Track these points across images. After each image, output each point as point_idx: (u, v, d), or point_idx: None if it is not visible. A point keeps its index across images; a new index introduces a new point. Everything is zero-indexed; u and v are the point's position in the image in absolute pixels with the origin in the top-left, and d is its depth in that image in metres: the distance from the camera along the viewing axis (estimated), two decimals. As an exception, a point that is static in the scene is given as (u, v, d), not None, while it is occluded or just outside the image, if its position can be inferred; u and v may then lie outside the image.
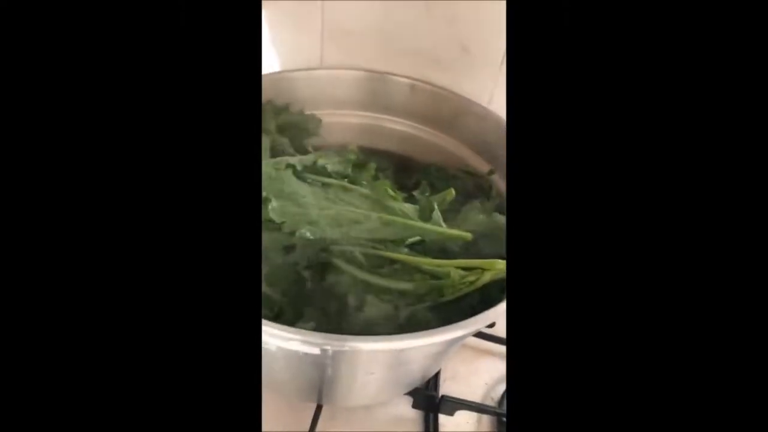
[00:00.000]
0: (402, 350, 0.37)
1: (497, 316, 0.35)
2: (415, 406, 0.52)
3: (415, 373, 0.48)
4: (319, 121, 0.59)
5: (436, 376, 0.54)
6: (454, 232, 0.42)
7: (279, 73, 0.58)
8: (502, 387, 0.56)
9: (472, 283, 0.38)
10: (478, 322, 0.35)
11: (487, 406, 0.53)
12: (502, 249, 0.41)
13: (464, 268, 0.39)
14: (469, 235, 0.42)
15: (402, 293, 0.39)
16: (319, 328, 0.37)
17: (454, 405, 0.52)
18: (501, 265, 0.38)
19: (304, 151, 0.55)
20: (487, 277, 0.38)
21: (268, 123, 0.56)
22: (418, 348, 0.36)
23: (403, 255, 0.40)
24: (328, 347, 0.33)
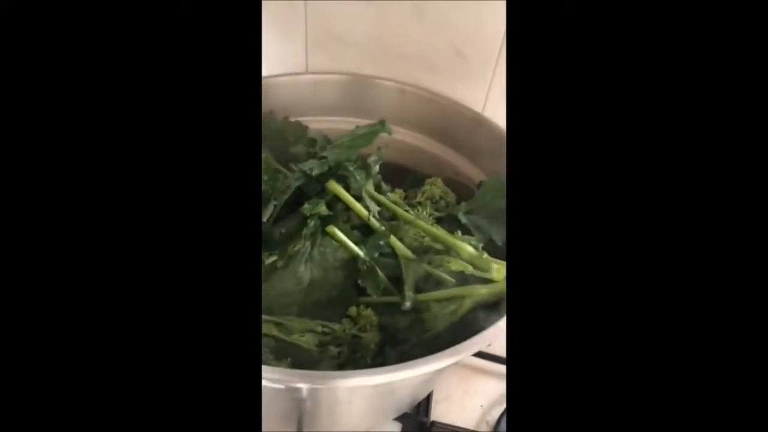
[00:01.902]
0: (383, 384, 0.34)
1: (480, 344, 0.33)
2: (404, 432, 0.49)
3: (404, 399, 0.45)
4: (305, 128, 0.57)
5: (428, 398, 0.51)
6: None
7: (263, 78, 0.56)
8: (499, 409, 0.52)
9: (454, 312, 0.35)
10: (461, 351, 0.32)
11: (481, 432, 0.50)
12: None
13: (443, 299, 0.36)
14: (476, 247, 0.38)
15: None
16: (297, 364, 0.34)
17: (445, 432, 0.48)
18: (482, 289, 0.35)
19: (287, 160, 0.53)
20: (468, 305, 0.34)
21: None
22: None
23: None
24: (302, 386, 0.30)
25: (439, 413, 0.50)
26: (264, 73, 0.57)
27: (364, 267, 0.38)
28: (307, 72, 0.59)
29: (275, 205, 0.39)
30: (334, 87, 0.57)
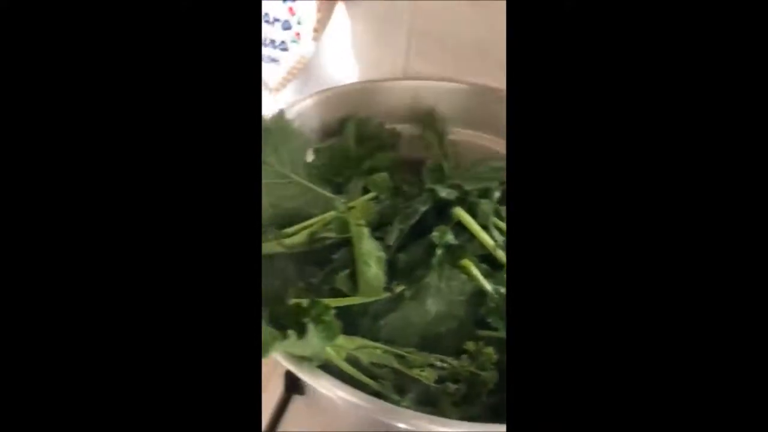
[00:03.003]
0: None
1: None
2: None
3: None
4: (398, 135, 0.54)
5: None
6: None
7: (359, 83, 0.54)
8: None
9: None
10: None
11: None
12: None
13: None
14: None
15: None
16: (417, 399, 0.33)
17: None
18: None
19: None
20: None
21: (348, 139, 0.51)
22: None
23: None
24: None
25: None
26: (361, 77, 0.55)
27: (492, 304, 0.36)
28: (405, 77, 0.56)
29: (401, 230, 0.37)
30: (434, 94, 0.54)
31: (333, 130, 0.54)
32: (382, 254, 0.34)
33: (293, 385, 0.52)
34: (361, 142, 0.52)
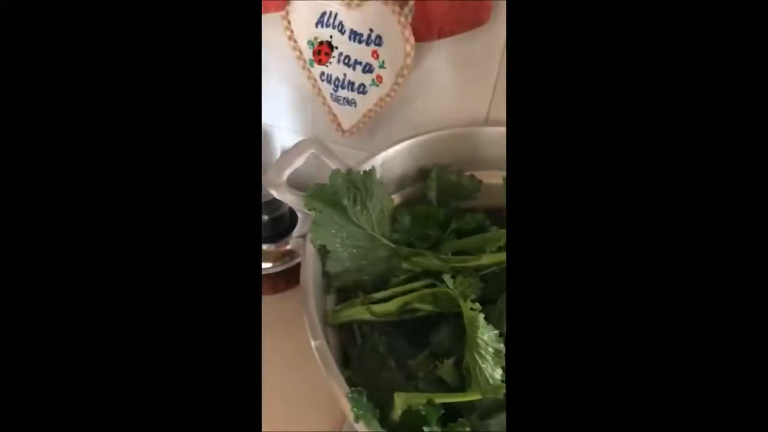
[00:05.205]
0: None
1: None
2: None
3: None
4: (479, 182, 0.51)
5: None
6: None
7: (442, 131, 0.51)
8: None
9: None
10: None
11: None
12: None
13: None
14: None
15: None
16: None
17: None
18: None
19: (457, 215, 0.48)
20: None
21: (429, 189, 0.48)
22: None
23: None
24: None
25: None
26: (442, 123, 0.52)
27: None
28: (487, 123, 0.53)
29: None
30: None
31: (413, 179, 0.51)
32: (501, 347, 0.30)
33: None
34: (443, 192, 0.50)
